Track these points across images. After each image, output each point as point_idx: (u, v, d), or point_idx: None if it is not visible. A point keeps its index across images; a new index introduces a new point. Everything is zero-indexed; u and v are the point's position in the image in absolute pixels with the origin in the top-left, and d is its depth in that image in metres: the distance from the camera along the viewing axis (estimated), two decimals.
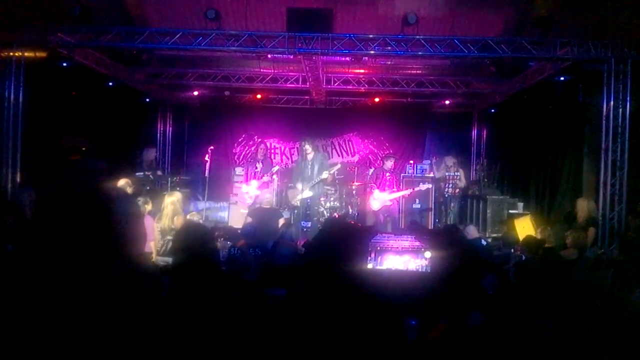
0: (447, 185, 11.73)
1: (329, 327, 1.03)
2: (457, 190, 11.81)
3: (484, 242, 7.98)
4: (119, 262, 1.78)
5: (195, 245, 3.16)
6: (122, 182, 7.60)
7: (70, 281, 1.61)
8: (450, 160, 12.12)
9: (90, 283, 1.61)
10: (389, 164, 11.05)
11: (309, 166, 10.17)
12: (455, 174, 11.91)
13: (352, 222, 7.93)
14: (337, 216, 10.41)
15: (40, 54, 9.42)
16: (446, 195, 11.74)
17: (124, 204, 1.97)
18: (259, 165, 11.36)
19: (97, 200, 1.76)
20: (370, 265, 2.03)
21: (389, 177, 10.93)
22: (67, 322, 1.54)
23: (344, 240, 1.58)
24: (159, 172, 11.84)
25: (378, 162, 13.16)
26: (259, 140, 13.80)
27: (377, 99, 13.86)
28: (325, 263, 1.56)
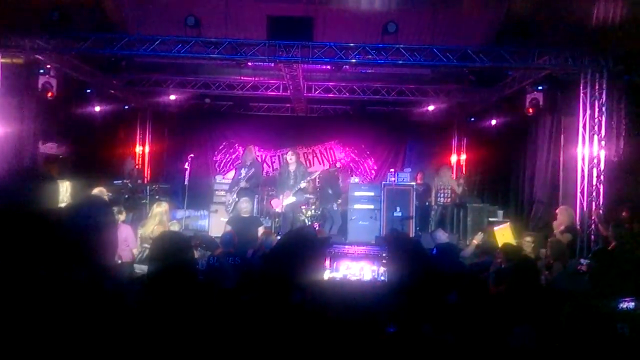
0: (439, 195, 11.76)
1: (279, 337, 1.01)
2: (449, 199, 11.82)
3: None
4: (76, 271, 1.73)
5: (170, 254, 3.10)
6: (96, 191, 7.50)
7: (23, 290, 1.56)
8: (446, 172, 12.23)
9: (43, 292, 1.57)
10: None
11: (292, 177, 10.10)
12: (447, 184, 11.91)
13: (309, 233, 7.95)
14: (316, 226, 10.37)
15: (18, 60, 9.30)
16: (440, 203, 11.77)
17: (88, 212, 1.92)
18: (244, 171, 11.00)
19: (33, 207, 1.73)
20: (327, 272, 2.02)
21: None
22: (19, 333, 1.50)
23: (298, 251, 1.56)
24: (139, 181, 11.71)
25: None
26: (240, 146, 13.67)
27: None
28: (280, 274, 1.54)
